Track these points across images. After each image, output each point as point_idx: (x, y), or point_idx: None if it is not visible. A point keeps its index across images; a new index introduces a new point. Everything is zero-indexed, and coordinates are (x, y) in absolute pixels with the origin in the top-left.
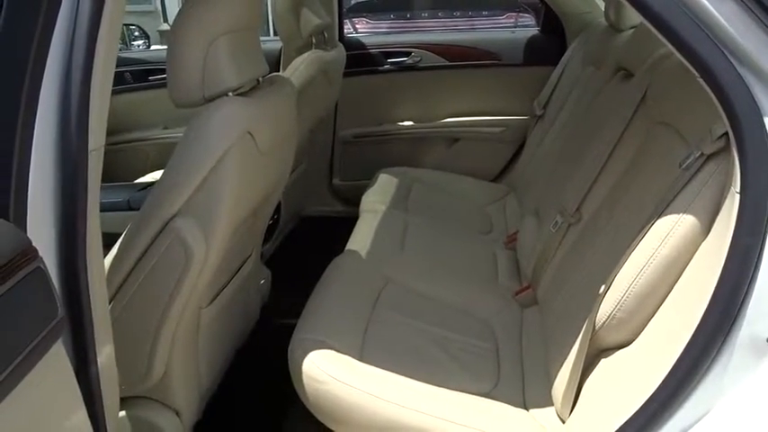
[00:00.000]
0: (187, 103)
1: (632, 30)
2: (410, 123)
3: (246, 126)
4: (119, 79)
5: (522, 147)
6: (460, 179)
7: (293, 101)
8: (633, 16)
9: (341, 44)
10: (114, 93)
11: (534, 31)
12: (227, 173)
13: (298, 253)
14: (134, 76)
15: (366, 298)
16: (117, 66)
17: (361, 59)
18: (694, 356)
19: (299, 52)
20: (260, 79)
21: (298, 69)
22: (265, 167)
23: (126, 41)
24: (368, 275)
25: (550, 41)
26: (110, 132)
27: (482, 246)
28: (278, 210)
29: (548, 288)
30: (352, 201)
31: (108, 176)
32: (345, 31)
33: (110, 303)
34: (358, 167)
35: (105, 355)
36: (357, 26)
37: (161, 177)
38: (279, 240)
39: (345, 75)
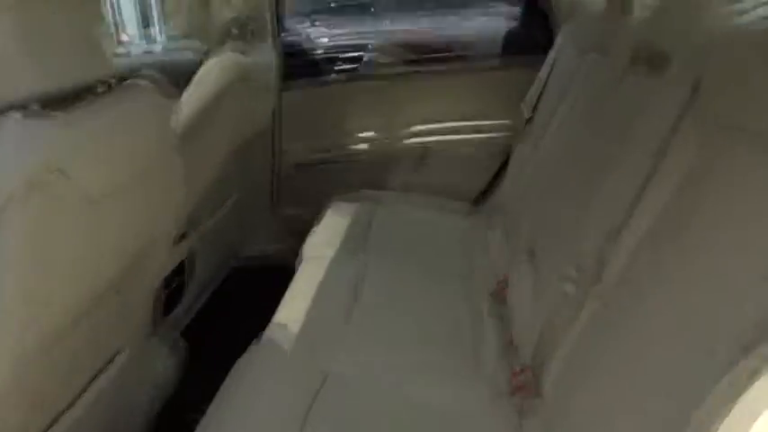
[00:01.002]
0: None
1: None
2: (370, 134)
3: (51, 159)
4: None
5: (507, 161)
6: (432, 204)
7: (160, 117)
8: None
9: (272, 44)
10: None
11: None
12: (8, 241)
13: (230, 313)
14: None
15: (293, 406)
16: None
17: (307, 65)
18: None
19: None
20: (111, 84)
21: (210, 76)
22: (104, 223)
23: None
24: (298, 369)
25: (534, 32)
26: None
27: (462, 301)
28: (181, 270)
29: (558, 386)
30: (304, 234)
31: None
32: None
33: None
34: (308, 193)
35: None
36: (315, 29)
37: None
38: (204, 299)
39: (288, 84)
